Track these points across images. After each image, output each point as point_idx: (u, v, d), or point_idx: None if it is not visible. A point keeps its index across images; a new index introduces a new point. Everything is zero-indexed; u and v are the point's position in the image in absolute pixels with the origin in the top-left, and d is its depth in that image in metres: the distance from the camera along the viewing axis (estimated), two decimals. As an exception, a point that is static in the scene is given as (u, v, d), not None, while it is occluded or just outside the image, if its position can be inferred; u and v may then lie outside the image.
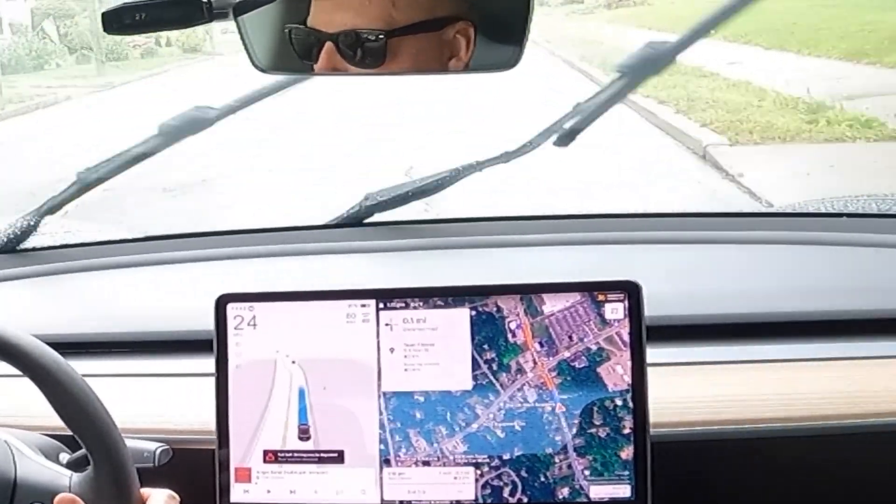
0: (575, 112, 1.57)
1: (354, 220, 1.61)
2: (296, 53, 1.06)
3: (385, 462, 1.07)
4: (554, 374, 1.06)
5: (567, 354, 1.06)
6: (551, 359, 1.06)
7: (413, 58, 1.04)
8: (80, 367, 0.98)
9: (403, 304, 1.08)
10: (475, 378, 1.07)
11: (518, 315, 1.06)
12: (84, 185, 1.58)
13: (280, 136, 7.82)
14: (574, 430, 1.05)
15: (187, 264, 1.58)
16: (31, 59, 15.75)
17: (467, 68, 1.07)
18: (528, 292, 1.07)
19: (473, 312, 1.07)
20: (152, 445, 1.06)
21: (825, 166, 5.88)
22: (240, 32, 1.02)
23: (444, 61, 1.05)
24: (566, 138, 1.57)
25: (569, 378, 1.06)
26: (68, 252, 1.64)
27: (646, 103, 8.15)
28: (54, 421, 0.95)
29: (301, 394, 1.09)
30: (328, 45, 1.03)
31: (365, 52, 1.03)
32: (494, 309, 1.07)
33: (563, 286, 1.07)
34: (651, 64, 1.55)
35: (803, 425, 1.11)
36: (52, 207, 1.60)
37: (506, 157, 1.62)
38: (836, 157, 6.20)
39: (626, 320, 1.05)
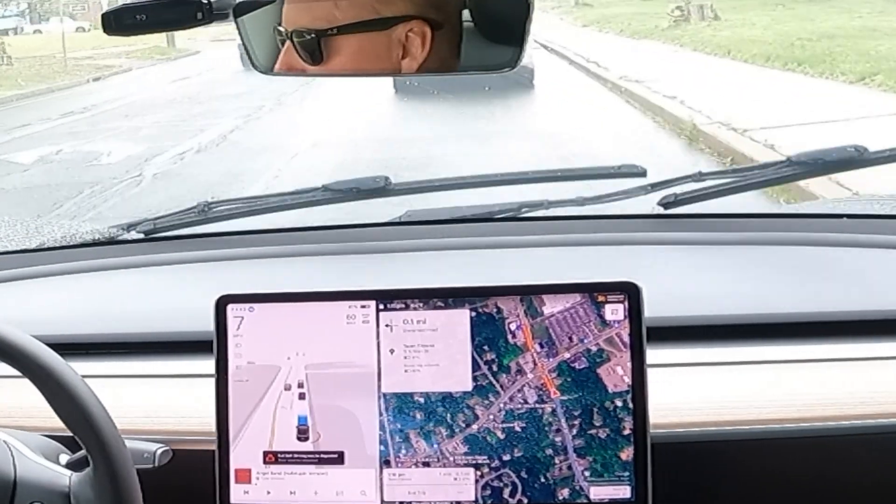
0: (700, 178, 1.56)
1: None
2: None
3: (385, 463, 1.07)
4: (554, 375, 1.06)
5: (567, 355, 1.06)
6: (551, 360, 1.06)
7: (356, 56, 1.05)
8: (80, 367, 0.98)
9: (403, 306, 1.08)
10: (475, 379, 1.07)
11: (518, 316, 1.06)
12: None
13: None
14: (574, 431, 1.05)
15: (187, 265, 1.58)
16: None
17: (468, 68, 1.07)
18: (528, 293, 1.07)
19: (473, 313, 1.07)
20: (152, 446, 1.06)
21: None
22: (240, 34, 1.03)
23: (395, 61, 1.05)
24: (673, 205, 1.56)
25: (569, 379, 1.06)
26: (68, 252, 1.64)
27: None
28: (54, 421, 0.95)
29: (301, 395, 1.09)
30: (287, 43, 1.06)
31: (306, 50, 1.05)
32: (494, 310, 1.07)
33: (563, 287, 1.07)
34: (836, 164, 1.53)
35: (803, 426, 1.11)
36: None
37: (581, 200, 1.62)
38: None
39: (626, 321, 1.05)
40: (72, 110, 12.47)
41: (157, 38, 19.26)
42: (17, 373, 0.95)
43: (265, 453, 1.09)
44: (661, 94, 9.34)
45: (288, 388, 1.09)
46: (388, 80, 9.61)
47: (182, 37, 19.68)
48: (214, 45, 19.48)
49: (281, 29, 1.06)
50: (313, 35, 1.04)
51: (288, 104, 11.48)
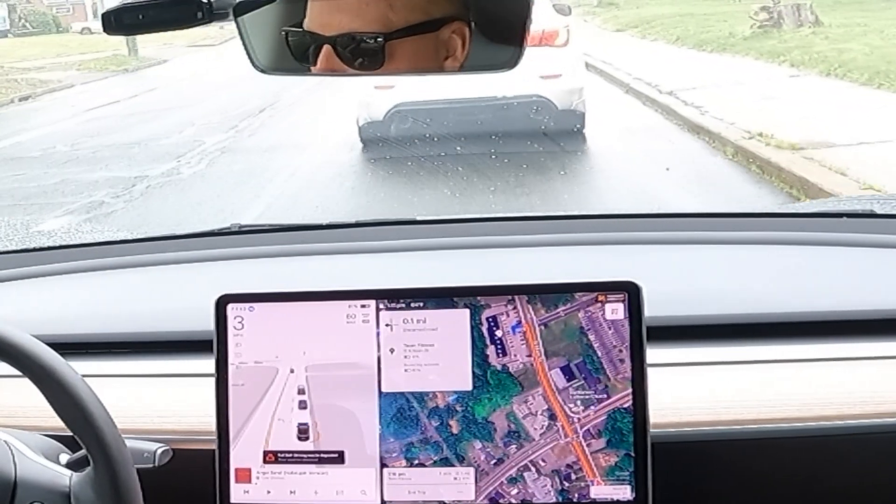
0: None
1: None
2: (292, 56, 1.06)
3: (385, 462, 1.07)
4: (554, 374, 1.06)
5: (567, 355, 1.06)
6: (551, 359, 1.06)
7: (410, 59, 1.04)
8: (80, 367, 0.98)
9: (403, 305, 1.08)
10: (475, 378, 1.07)
11: (518, 315, 1.06)
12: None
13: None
14: (574, 431, 1.05)
15: (187, 264, 1.58)
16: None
17: (467, 68, 1.07)
18: (529, 293, 1.07)
19: (473, 313, 1.07)
20: (152, 446, 1.06)
21: None
22: (240, 33, 1.02)
23: (441, 61, 1.05)
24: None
25: (568, 378, 1.05)
26: (68, 252, 1.64)
27: None
28: (54, 421, 0.95)
29: (301, 394, 1.08)
30: (326, 48, 1.03)
31: (363, 55, 1.02)
32: (495, 309, 1.07)
33: (564, 287, 1.07)
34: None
35: (803, 425, 1.11)
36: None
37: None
38: None
39: (626, 321, 1.05)
40: None
41: (119, 46, 16.48)
42: (17, 373, 0.95)
43: (265, 453, 1.09)
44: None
45: (287, 387, 1.09)
46: (355, 136, 6.81)
47: (153, 44, 16.97)
48: (191, 50, 17.37)
49: (317, 33, 1.03)
50: (379, 39, 1.01)
51: (184, 178, 6.67)
